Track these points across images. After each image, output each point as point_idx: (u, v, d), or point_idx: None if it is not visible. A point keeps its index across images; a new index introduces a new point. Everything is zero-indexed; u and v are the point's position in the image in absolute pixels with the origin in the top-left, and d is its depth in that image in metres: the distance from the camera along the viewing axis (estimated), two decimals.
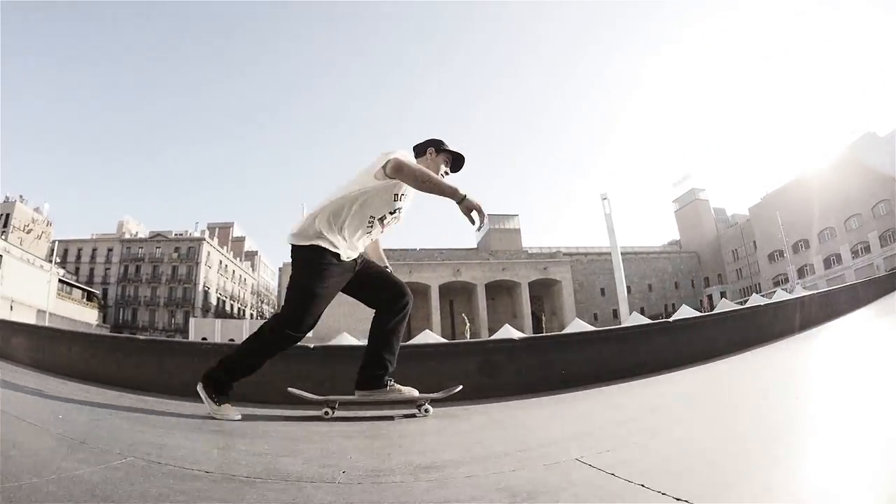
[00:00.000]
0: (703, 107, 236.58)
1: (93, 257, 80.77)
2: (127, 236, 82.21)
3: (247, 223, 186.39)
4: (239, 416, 3.47)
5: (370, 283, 3.86)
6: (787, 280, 76.43)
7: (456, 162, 3.93)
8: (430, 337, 26.91)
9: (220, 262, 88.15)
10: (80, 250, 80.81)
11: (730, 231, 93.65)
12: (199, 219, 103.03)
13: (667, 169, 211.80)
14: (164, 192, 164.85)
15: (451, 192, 3.38)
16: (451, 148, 3.91)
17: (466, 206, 3.34)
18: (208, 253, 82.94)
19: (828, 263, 75.38)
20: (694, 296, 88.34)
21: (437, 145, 3.89)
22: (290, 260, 3.64)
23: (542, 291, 71.20)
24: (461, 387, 3.97)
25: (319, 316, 3.59)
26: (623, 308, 58.64)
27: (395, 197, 3.62)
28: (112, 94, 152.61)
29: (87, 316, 67.93)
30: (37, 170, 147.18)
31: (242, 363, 3.57)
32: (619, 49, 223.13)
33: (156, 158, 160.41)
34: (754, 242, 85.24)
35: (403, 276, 71.72)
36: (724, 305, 36.13)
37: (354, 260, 3.75)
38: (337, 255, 3.57)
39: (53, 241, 71.82)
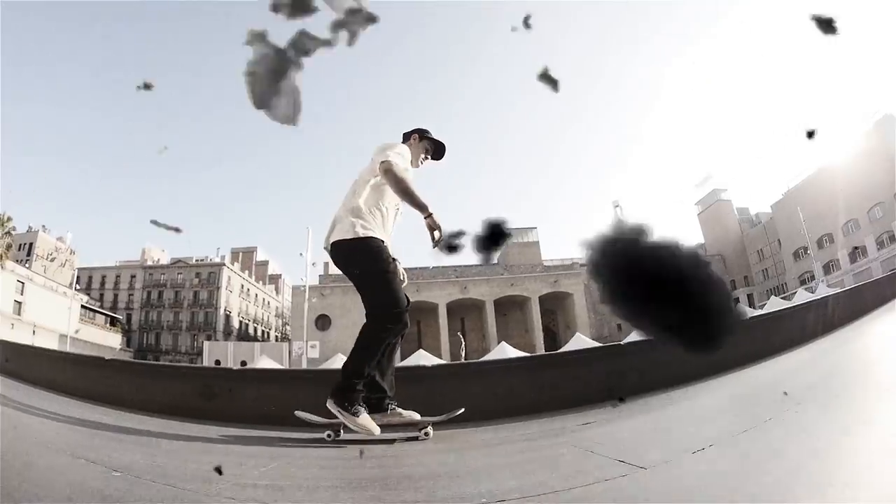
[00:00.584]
0: (721, 103, 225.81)
1: (116, 284, 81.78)
2: (149, 263, 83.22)
3: (272, 247, 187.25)
4: (378, 431, 3.51)
5: None
6: (813, 278, 71.64)
7: (438, 151, 4.28)
8: (422, 358, 26.39)
9: (242, 286, 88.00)
10: (104, 277, 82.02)
11: (754, 231, 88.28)
12: (223, 243, 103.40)
13: (689, 171, 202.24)
14: (188, 217, 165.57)
15: (420, 206, 3.60)
16: (435, 137, 4.20)
17: (429, 224, 3.53)
18: (229, 278, 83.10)
19: (853, 257, 69.77)
20: None
21: (421, 133, 4.18)
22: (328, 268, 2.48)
23: (556, 305, 66.32)
24: (462, 410, 3.84)
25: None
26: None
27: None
28: (138, 116, 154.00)
29: (110, 340, 68.64)
30: (61, 196, 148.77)
31: (361, 361, 3.57)
32: (638, 52, 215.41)
33: (180, 184, 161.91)
34: (779, 241, 79.65)
35: (412, 295, 70.33)
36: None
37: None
38: (383, 242, 3.77)
39: (76, 269, 71.77)
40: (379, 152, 3.70)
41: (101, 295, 79.10)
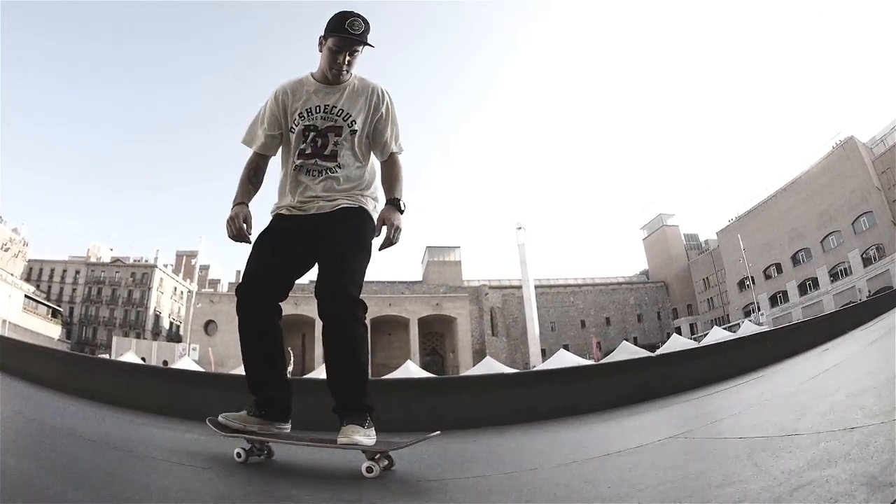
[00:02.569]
0: (672, 126, 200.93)
1: (63, 277, 75.53)
2: (93, 260, 77.16)
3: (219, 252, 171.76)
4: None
5: None
6: (759, 308, 58.17)
7: (346, 26, 2.41)
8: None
9: (175, 288, 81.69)
10: (52, 270, 75.55)
11: (700, 258, 73.45)
12: (182, 245, 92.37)
13: (637, 195, 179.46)
14: (151, 219, 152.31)
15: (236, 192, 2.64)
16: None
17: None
18: (161, 279, 77.42)
19: (803, 289, 54.93)
20: (660, 329, 68.88)
21: (323, 34, 2.50)
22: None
23: (445, 328, 55.56)
24: (438, 432, 2.42)
25: None
26: (533, 349, 44.89)
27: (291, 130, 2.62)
28: (110, 113, 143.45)
29: (49, 331, 62.29)
30: (30, 188, 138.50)
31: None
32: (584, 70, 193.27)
33: (150, 184, 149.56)
34: (723, 270, 64.27)
35: (291, 308, 52.25)
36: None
37: None
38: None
39: (28, 260, 69.84)
40: None
41: (49, 287, 73.34)
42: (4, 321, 49.51)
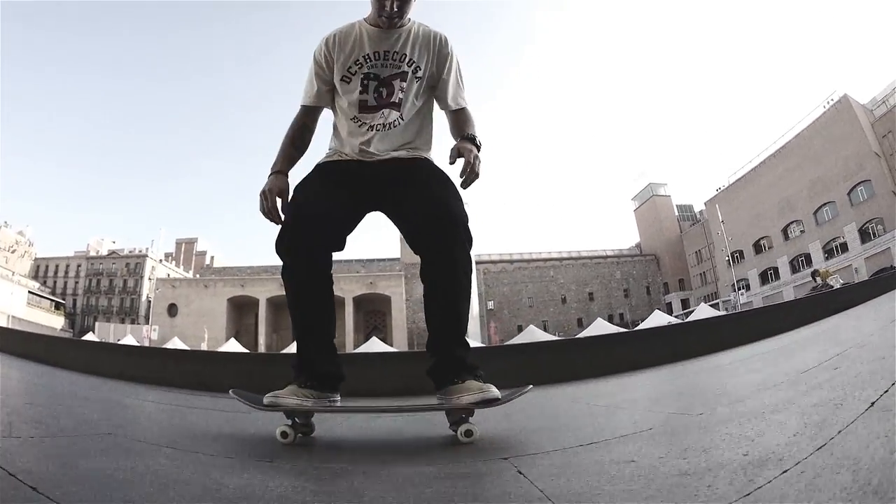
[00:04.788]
0: (665, 92, 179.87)
1: (67, 272, 75.44)
2: (92, 254, 76.67)
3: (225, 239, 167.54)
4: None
5: None
6: (737, 289, 49.99)
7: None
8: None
9: (168, 275, 75.50)
10: (57, 266, 75.66)
11: (693, 230, 64.39)
12: (190, 233, 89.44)
13: (630, 166, 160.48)
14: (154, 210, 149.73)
15: (275, 158, 2.15)
16: None
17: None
18: (152, 268, 74.87)
19: (795, 266, 45.86)
20: (649, 304, 60.35)
21: None
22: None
23: (385, 307, 49.97)
24: (531, 387, 1.99)
25: None
26: (473, 329, 35.44)
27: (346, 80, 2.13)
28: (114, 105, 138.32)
29: (53, 322, 63.25)
30: (36, 183, 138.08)
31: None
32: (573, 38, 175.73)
33: (153, 179, 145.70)
34: (713, 244, 55.97)
35: (236, 290, 52.63)
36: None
37: None
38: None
39: (35, 259, 72.77)
40: None
41: (55, 282, 73.81)
42: (9, 316, 49.72)
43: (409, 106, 2.06)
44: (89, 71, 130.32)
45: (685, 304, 60.68)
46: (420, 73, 2.04)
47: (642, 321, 37.32)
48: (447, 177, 2.02)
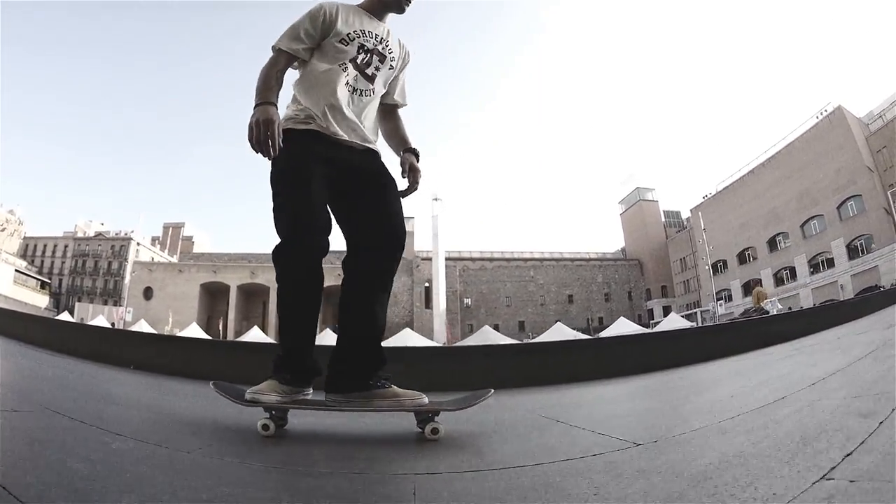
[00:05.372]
0: (660, 96, 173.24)
1: (54, 252, 74.46)
2: (79, 235, 75.91)
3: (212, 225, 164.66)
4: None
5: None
6: (731, 297, 49.85)
7: None
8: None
9: (153, 258, 74.82)
10: (45, 246, 74.74)
11: (679, 236, 61.97)
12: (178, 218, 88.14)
13: (619, 170, 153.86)
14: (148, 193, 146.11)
15: (258, 91, 1.94)
16: None
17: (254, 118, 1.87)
18: (137, 251, 73.37)
19: (779, 280, 43.39)
20: (630, 310, 58.32)
21: None
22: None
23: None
24: (492, 391, 1.96)
25: None
26: (437, 326, 37.32)
27: (343, 42, 2.13)
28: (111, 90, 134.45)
29: (38, 300, 62.67)
30: (30, 162, 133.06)
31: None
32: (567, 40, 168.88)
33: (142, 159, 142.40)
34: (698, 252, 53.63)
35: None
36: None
37: None
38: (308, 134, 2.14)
39: (24, 237, 72.05)
40: None
41: (42, 262, 73.00)
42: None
43: (377, 89, 2.12)
44: (83, 55, 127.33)
45: (667, 310, 58.06)
46: (393, 64, 2.15)
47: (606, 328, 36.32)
48: (396, 184, 2.10)
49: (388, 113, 2.25)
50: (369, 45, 2.05)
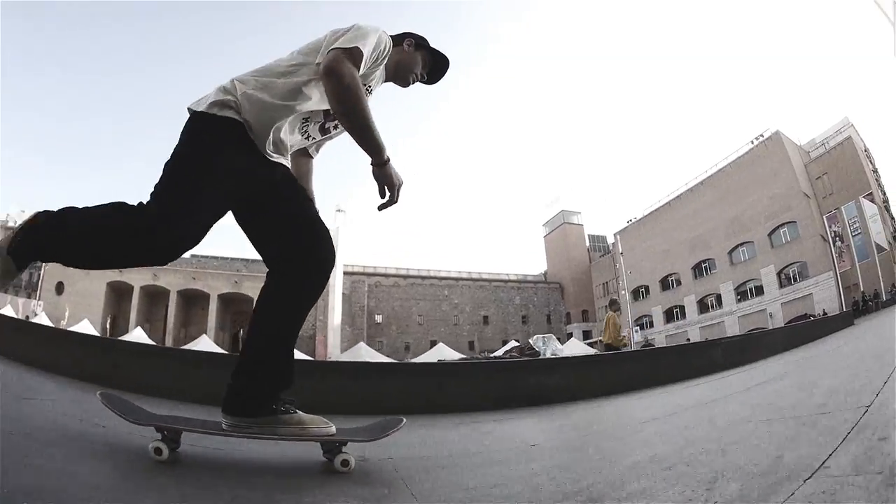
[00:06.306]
0: (591, 119, 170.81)
1: None
2: (10, 224, 63.81)
3: None
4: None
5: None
6: (651, 324, 47.37)
7: (437, 67, 1.97)
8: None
9: None
10: None
11: (602, 261, 58.85)
12: None
13: (545, 192, 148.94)
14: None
15: (374, 146, 1.62)
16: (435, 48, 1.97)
17: (384, 174, 1.64)
18: None
19: (704, 306, 39.63)
20: (548, 333, 51.90)
21: (418, 39, 1.92)
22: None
23: (251, 307, 37.72)
24: (404, 420, 1.79)
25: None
26: (332, 340, 33.24)
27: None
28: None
29: None
30: None
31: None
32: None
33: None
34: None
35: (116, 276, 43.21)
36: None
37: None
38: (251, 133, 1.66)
39: None
40: (332, 38, 1.61)
41: None
42: None
43: (319, 146, 1.93)
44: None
45: (587, 335, 54.57)
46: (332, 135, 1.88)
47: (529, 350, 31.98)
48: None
49: (302, 157, 1.90)
50: None
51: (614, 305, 8.99)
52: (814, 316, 28.96)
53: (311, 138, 1.77)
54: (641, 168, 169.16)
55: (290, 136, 1.67)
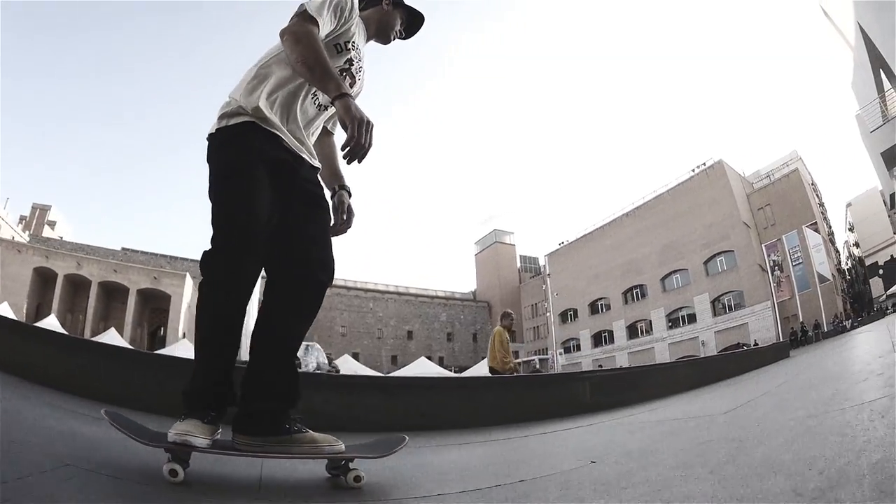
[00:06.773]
0: (532, 140, 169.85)
1: None
2: None
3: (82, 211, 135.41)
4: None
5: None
6: (579, 347, 45.62)
7: (413, 23, 1.96)
8: None
9: (13, 237, 56.48)
10: None
11: (532, 282, 57.30)
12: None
13: (480, 210, 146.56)
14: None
15: (331, 79, 1.49)
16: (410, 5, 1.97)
17: (347, 107, 1.43)
18: None
19: (634, 331, 38.02)
20: (474, 351, 51.15)
21: None
22: None
23: (167, 304, 39.49)
24: (407, 439, 1.76)
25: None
26: (246, 345, 20.44)
27: (338, 49, 1.73)
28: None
29: None
30: None
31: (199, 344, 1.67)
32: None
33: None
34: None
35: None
36: None
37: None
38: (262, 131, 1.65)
39: None
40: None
41: None
42: None
43: (331, 111, 1.83)
44: None
45: (515, 355, 52.06)
46: (357, 89, 1.81)
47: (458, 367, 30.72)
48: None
49: (324, 136, 1.89)
50: (354, 66, 1.74)
51: (506, 319, 6.49)
52: (746, 345, 28.06)
53: (322, 107, 1.70)
54: (580, 191, 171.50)
55: (303, 114, 1.65)
